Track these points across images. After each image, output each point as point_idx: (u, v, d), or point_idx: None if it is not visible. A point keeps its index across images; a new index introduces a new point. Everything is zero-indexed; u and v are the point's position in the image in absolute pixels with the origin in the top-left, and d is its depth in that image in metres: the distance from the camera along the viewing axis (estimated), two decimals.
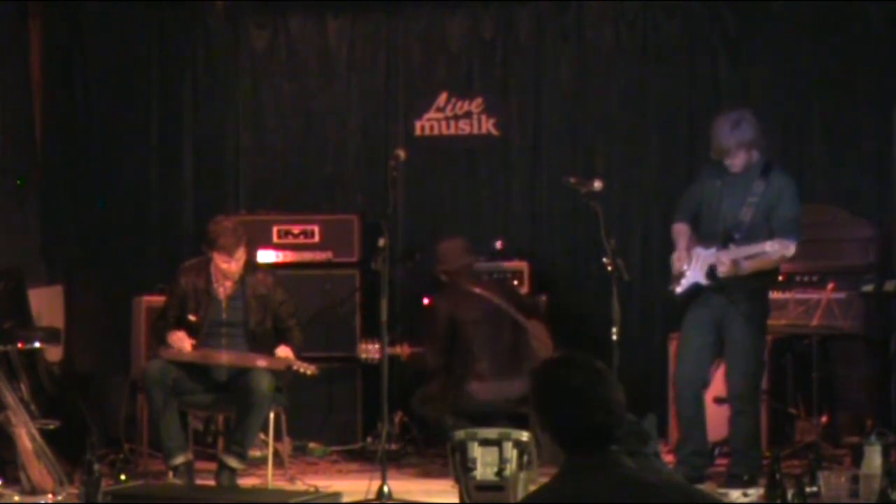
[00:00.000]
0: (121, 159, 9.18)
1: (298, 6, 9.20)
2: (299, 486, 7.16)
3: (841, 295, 7.75)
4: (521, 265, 8.47)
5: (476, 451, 6.24)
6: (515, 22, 8.94)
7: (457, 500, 6.34)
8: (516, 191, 8.98)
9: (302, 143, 9.18)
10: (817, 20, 8.56)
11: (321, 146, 9.16)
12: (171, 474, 7.09)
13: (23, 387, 7.40)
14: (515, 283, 8.37)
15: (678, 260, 7.11)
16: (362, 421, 8.42)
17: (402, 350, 7.84)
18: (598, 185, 7.22)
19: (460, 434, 6.32)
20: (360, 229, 8.53)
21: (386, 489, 6.63)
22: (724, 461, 7.30)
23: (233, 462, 7.05)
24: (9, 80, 8.80)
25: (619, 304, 6.93)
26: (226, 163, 9.20)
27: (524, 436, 6.28)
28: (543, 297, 8.29)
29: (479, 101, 8.95)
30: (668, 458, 7.15)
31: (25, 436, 6.92)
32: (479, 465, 6.22)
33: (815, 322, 7.74)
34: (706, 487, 6.58)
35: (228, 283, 7.27)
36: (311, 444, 8.32)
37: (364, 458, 8.05)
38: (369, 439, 8.25)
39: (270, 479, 7.23)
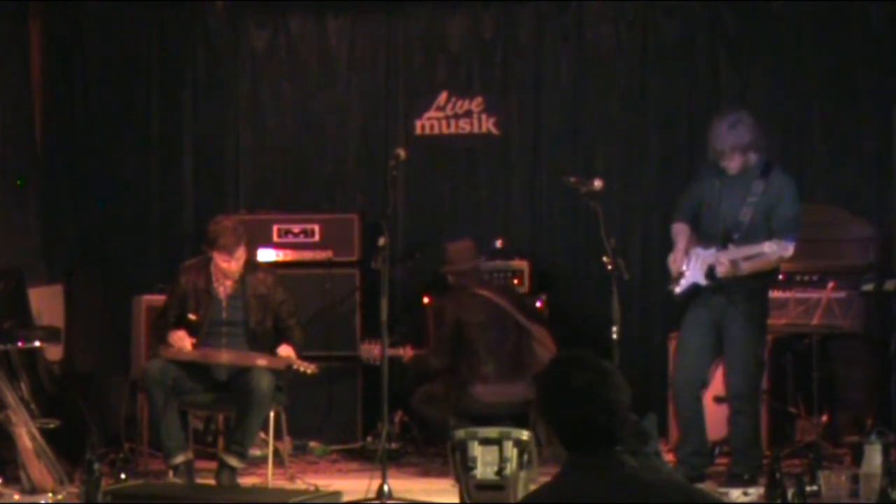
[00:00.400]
0: (121, 159, 9.17)
1: (298, 6, 9.20)
2: (299, 485, 7.17)
3: (841, 294, 7.75)
4: (522, 264, 8.47)
5: (476, 450, 6.24)
6: (515, 22, 8.94)
7: (457, 500, 6.34)
8: (516, 190, 8.98)
9: (302, 143, 9.17)
10: (817, 20, 8.56)
11: (321, 146, 9.16)
12: (171, 473, 7.09)
13: (23, 386, 7.40)
14: (515, 282, 8.37)
15: (674, 261, 7.09)
16: (362, 420, 8.42)
17: (405, 352, 7.81)
18: (598, 184, 7.21)
19: (460, 433, 6.32)
20: (360, 229, 8.53)
21: (386, 488, 6.63)
22: (724, 460, 7.30)
23: (233, 461, 7.05)
24: (9, 80, 8.79)
25: (619, 303, 6.92)
26: (226, 162, 9.20)
27: (524, 435, 6.28)
28: (543, 297, 8.30)
29: (479, 100, 8.95)
30: (669, 458, 7.14)
31: (25, 435, 6.92)
32: (479, 465, 6.22)
33: (815, 321, 7.75)
34: (706, 487, 6.59)
35: (229, 283, 7.27)
36: (312, 444, 8.32)
37: (364, 458, 8.04)
38: (369, 438, 8.24)
39: (270, 478, 7.22)
